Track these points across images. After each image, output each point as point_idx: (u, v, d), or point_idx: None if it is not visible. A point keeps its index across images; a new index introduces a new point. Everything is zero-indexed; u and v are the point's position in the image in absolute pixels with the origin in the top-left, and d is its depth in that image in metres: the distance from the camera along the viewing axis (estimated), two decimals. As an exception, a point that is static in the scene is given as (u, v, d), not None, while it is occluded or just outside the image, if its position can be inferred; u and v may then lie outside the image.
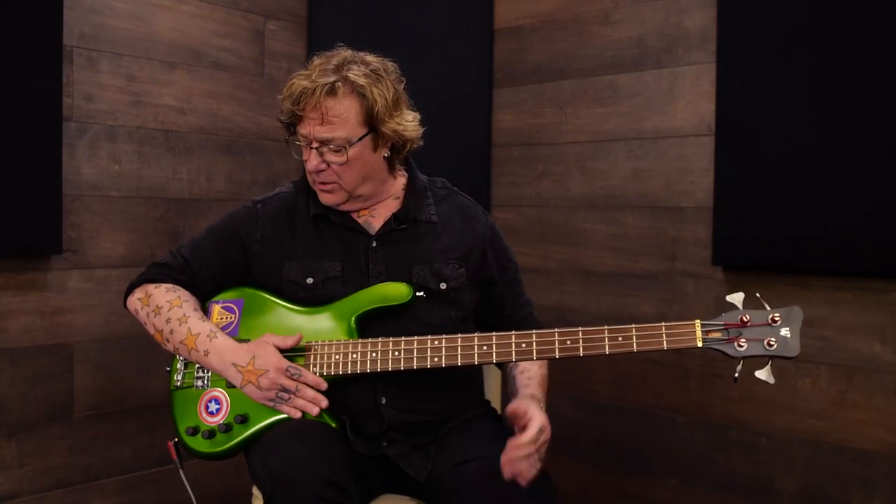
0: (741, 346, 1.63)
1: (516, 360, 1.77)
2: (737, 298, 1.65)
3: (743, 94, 2.45)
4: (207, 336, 1.82)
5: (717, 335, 1.65)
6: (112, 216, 2.57)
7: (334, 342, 1.81)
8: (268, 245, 1.92)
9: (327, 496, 1.61)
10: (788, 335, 1.62)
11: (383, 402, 1.83)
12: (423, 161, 2.03)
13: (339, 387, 1.81)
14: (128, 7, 2.57)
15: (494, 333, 1.75)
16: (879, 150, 2.21)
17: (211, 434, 1.84)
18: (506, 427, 1.81)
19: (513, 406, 1.71)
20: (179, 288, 1.91)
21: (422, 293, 1.85)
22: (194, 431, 1.85)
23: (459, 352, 1.75)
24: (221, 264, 1.94)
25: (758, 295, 1.68)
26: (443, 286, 1.87)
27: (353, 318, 1.83)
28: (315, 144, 1.82)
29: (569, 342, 1.69)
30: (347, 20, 2.95)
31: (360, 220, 1.92)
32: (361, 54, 1.87)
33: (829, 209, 2.29)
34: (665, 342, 1.65)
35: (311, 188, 1.92)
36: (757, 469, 2.49)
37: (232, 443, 1.83)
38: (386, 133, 1.83)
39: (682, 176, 2.63)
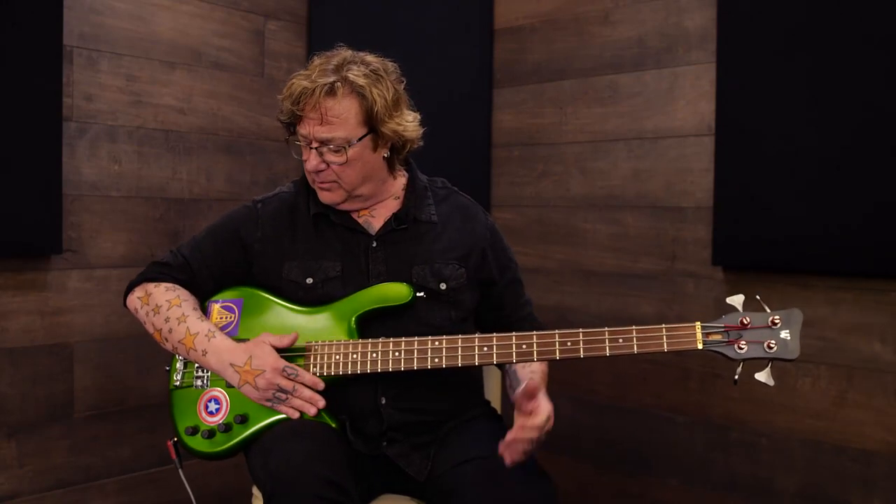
0: (741, 349, 1.63)
1: (517, 362, 1.77)
2: (737, 301, 1.66)
3: (743, 94, 2.45)
4: (205, 336, 1.82)
5: (718, 337, 1.65)
6: (112, 216, 2.57)
7: (334, 342, 1.81)
8: (268, 245, 1.92)
9: (327, 496, 1.61)
10: (788, 337, 1.62)
11: (383, 402, 1.83)
12: (423, 161, 2.03)
13: (340, 387, 1.81)
14: (128, 7, 2.57)
15: (495, 334, 1.75)
16: (879, 150, 2.21)
17: (210, 434, 1.84)
18: (505, 427, 1.81)
19: (530, 385, 1.66)
20: (179, 287, 1.91)
21: (422, 293, 1.85)
22: (194, 431, 1.85)
23: (460, 353, 1.75)
24: (221, 264, 1.94)
25: (758, 297, 1.68)
26: (443, 286, 1.87)
27: (354, 319, 1.83)
28: (315, 144, 1.82)
29: (569, 343, 1.69)
30: (347, 20, 2.95)
31: (360, 220, 1.92)
32: (361, 54, 1.87)
33: (829, 209, 2.29)
34: (665, 344, 1.65)
35: (311, 188, 1.92)
36: (757, 469, 2.49)
37: (231, 443, 1.83)
38: (386, 133, 1.83)
39: (682, 176, 2.63)
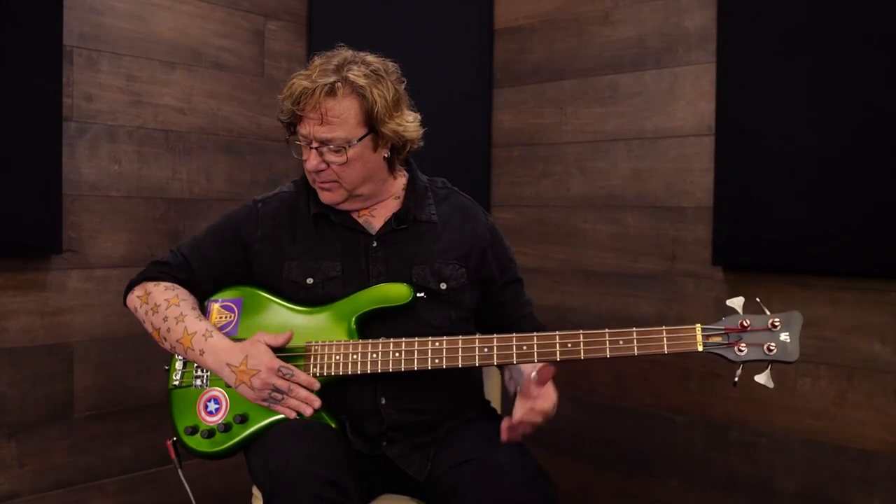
0: (741, 351, 1.63)
1: (517, 363, 1.77)
2: (737, 303, 1.66)
3: (743, 94, 2.45)
4: (203, 335, 1.82)
5: (718, 339, 1.65)
6: (112, 216, 2.57)
7: (335, 343, 1.81)
8: (268, 244, 1.92)
9: (327, 496, 1.61)
10: (788, 340, 1.62)
11: (383, 402, 1.83)
12: (423, 161, 2.03)
13: (339, 387, 1.81)
14: (128, 7, 2.57)
15: (495, 335, 1.75)
16: (879, 150, 2.21)
17: (210, 433, 1.84)
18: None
19: (545, 371, 1.68)
20: (178, 286, 1.91)
21: (422, 293, 1.85)
22: (193, 431, 1.85)
23: (460, 353, 1.75)
24: (221, 263, 1.94)
25: (758, 299, 1.68)
26: (443, 286, 1.87)
27: (354, 319, 1.83)
28: (315, 144, 1.82)
29: (569, 345, 1.69)
30: (347, 20, 2.95)
31: (360, 220, 1.92)
32: (362, 54, 1.86)
33: (829, 209, 2.29)
34: (666, 346, 1.65)
35: (311, 188, 1.92)
36: (757, 469, 2.49)
37: (231, 442, 1.83)
38: (386, 133, 1.83)
39: (682, 176, 2.63)
